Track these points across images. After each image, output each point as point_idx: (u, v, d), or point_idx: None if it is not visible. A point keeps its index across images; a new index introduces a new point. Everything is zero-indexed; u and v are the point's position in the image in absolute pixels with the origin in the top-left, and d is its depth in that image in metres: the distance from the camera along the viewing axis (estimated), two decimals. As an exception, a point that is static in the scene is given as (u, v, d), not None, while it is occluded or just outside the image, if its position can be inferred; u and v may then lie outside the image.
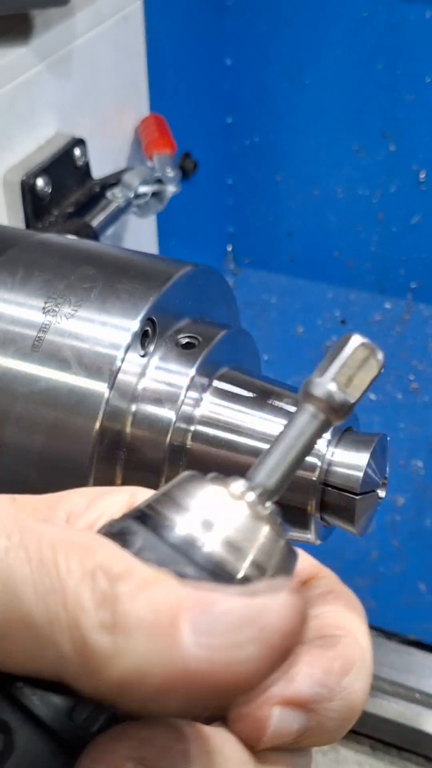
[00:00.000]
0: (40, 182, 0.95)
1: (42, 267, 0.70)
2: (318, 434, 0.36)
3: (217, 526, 0.33)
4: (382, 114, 1.34)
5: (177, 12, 1.26)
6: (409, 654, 1.11)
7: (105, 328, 0.66)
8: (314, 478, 0.65)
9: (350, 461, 0.65)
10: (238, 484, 0.35)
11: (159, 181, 1.07)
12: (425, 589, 1.58)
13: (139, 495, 0.38)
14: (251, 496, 0.34)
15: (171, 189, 1.07)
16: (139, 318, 0.66)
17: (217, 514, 0.33)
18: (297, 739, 0.35)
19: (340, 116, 1.37)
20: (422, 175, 1.35)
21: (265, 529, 0.34)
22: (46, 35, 0.97)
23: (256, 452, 0.67)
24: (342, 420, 0.36)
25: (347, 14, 1.31)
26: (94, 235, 0.99)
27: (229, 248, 1.54)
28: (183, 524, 0.33)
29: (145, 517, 0.34)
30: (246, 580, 0.32)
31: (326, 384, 0.36)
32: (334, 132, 1.38)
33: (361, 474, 0.65)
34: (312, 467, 0.65)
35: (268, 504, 0.35)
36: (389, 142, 1.35)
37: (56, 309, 0.68)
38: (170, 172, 1.07)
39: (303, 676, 0.35)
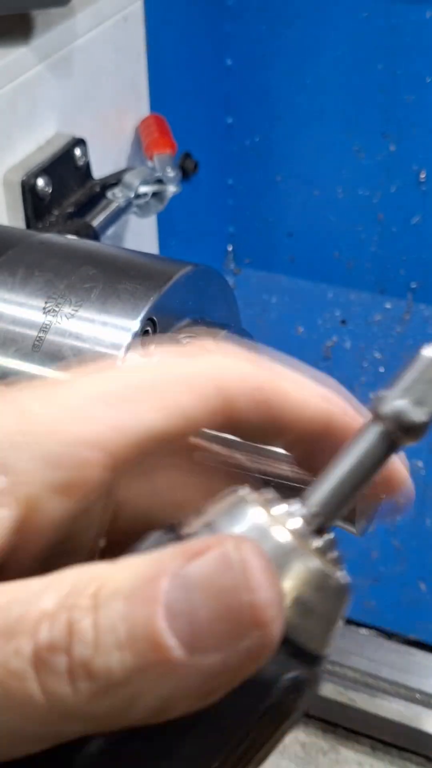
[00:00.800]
0: (40, 182, 0.95)
1: (42, 267, 0.70)
2: (386, 456, 0.32)
3: None
4: (383, 114, 1.34)
5: (177, 12, 1.26)
6: (410, 654, 1.11)
7: (105, 328, 0.66)
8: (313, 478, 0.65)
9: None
10: (285, 508, 0.31)
11: (159, 181, 1.07)
12: (426, 589, 1.58)
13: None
14: (301, 522, 0.30)
15: (171, 189, 1.07)
16: (140, 318, 0.66)
17: (260, 543, 0.28)
18: None
19: (340, 116, 1.37)
20: (422, 175, 1.35)
21: (314, 566, 0.30)
22: (47, 35, 0.97)
23: (255, 450, 0.66)
24: (415, 441, 0.32)
25: (347, 15, 1.31)
26: (94, 235, 0.99)
27: (230, 248, 1.54)
28: None
29: (176, 536, 0.30)
30: (286, 623, 0.28)
31: (397, 401, 0.31)
32: (334, 132, 1.38)
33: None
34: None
35: (322, 534, 0.30)
36: (389, 142, 1.35)
37: (57, 309, 0.68)
38: (170, 172, 1.07)
39: None
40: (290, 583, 0.29)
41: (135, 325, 0.66)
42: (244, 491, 0.31)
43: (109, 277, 0.69)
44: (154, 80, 1.17)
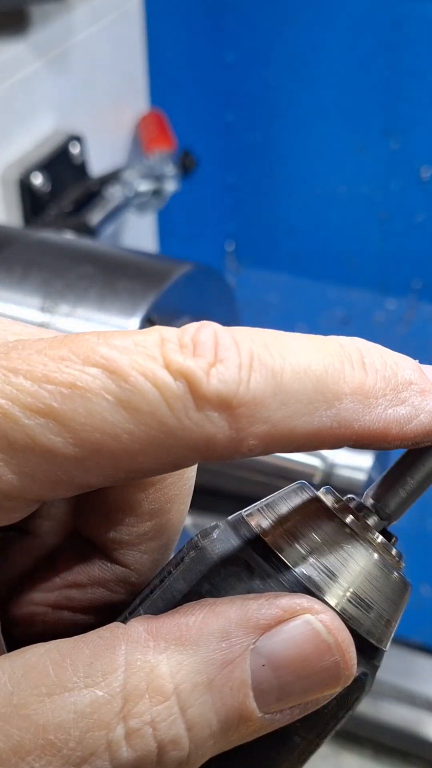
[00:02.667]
0: (38, 180, 0.94)
1: (40, 266, 0.70)
2: None
3: (320, 549, 0.30)
4: (384, 111, 1.33)
5: (177, 8, 1.25)
6: (413, 658, 1.10)
7: (103, 328, 0.66)
8: (317, 481, 0.64)
9: (354, 463, 0.65)
10: (353, 503, 0.31)
11: (158, 178, 1.06)
12: (429, 592, 1.57)
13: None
14: (368, 518, 0.31)
15: (171, 187, 1.07)
16: (139, 317, 0.66)
17: (323, 537, 0.30)
18: None
19: (341, 114, 1.36)
20: (425, 173, 1.35)
21: (377, 559, 0.31)
22: (44, 32, 0.96)
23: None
24: None
25: (349, 11, 1.30)
26: (92, 233, 0.98)
27: (230, 247, 1.53)
28: (282, 542, 0.30)
29: (258, 542, 0.30)
30: (345, 613, 0.29)
31: None
32: (335, 130, 1.38)
33: (365, 476, 0.64)
34: (313, 470, 0.64)
35: (386, 531, 0.31)
36: (391, 139, 1.35)
37: (54, 308, 0.67)
38: (170, 170, 1.07)
39: None
40: (353, 576, 0.30)
41: (134, 324, 0.66)
42: (308, 485, 0.32)
43: (107, 276, 0.69)
44: (154, 77, 1.17)
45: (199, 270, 0.72)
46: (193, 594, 0.29)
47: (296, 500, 0.31)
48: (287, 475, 0.65)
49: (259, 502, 0.32)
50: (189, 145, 1.28)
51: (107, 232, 1.04)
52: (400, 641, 1.61)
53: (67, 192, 0.99)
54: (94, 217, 1.00)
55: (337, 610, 0.30)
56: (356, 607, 0.30)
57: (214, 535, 0.30)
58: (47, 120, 0.98)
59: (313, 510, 0.31)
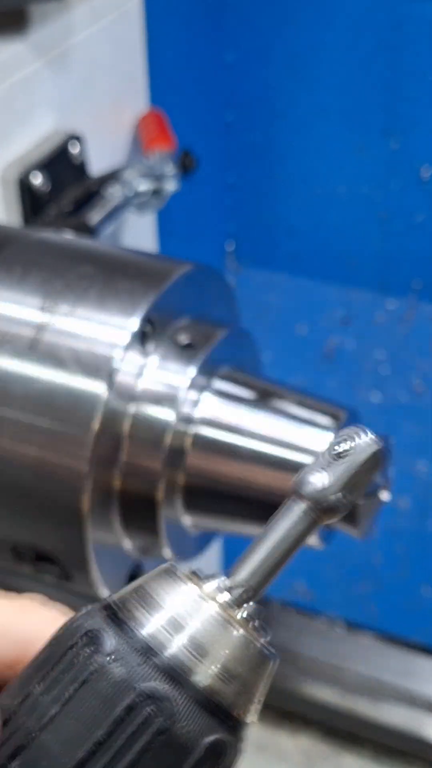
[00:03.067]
0: (37, 179, 0.95)
1: (40, 265, 0.70)
2: (307, 534, 0.35)
3: (186, 629, 0.33)
4: (385, 111, 1.33)
5: (177, 7, 1.26)
6: (413, 659, 1.10)
7: (103, 328, 0.66)
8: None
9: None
10: (214, 584, 0.34)
11: (158, 178, 1.06)
12: (429, 593, 1.57)
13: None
14: (227, 597, 0.34)
15: (170, 187, 1.07)
16: (139, 317, 0.66)
17: (188, 617, 0.33)
18: None
19: (341, 114, 1.37)
20: (425, 173, 1.35)
21: (237, 634, 0.33)
22: (44, 31, 0.96)
23: (255, 453, 0.66)
24: (335, 519, 0.35)
25: (349, 10, 1.30)
26: (92, 233, 0.99)
27: (230, 247, 1.53)
28: (152, 626, 0.33)
29: (115, 615, 0.33)
30: (210, 689, 0.32)
31: (319, 483, 0.34)
32: (335, 129, 1.38)
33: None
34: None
35: (247, 605, 0.34)
36: (391, 139, 1.35)
37: (54, 308, 0.67)
38: (170, 170, 1.07)
39: None
40: (216, 650, 0.32)
41: (133, 324, 0.66)
42: (175, 567, 0.34)
43: (107, 276, 0.69)
44: (154, 76, 1.17)
45: (199, 270, 0.72)
46: None
47: (162, 583, 0.34)
48: (287, 470, 0.65)
49: (128, 587, 0.34)
50: (189, 145, 1.28)
51: (107, 231, 1.04)
52: (401, 641, 1.61)
53: (66, 192, 0.99)
54: (94, 216, 1.00)
55: (201, 687, 0.32)
56: (222, 681, 0.32)
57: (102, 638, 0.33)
58: (47, 119, 0.99)
59: (177, 591, 0.33)
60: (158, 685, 0.31)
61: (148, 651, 0.32)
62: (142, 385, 0.67)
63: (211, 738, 0.32)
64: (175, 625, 0.33)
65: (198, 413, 0.68)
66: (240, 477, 0.67)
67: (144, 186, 1.05)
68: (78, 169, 1.01)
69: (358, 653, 1.08)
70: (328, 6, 1.31)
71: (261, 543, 0.34)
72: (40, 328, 0.67)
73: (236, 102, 1.41)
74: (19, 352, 0.67)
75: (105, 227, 1.02)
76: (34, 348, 0.67)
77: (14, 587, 0.67)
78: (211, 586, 0.34)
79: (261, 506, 0.66)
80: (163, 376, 0.68)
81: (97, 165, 1.05)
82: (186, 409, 0.67)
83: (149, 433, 0.67)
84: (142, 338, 0.67)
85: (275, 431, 0.67)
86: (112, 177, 1.04)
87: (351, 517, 0.65)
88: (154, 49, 1.16)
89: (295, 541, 0.34)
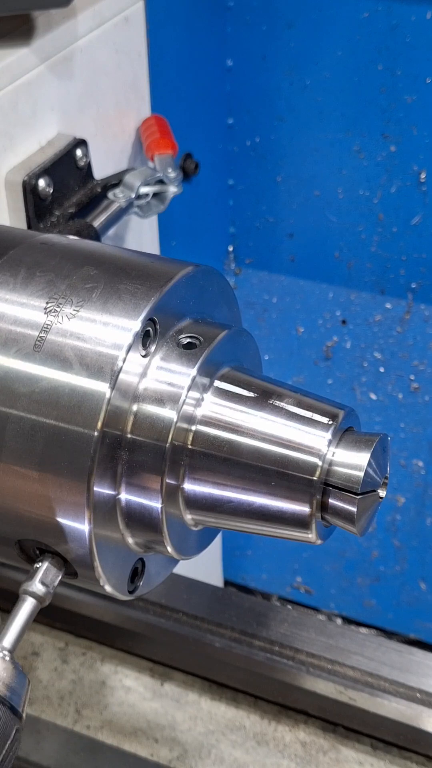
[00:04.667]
0: (41, 183, 0.95)
1: (44, 267, 0.71)
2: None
3: None
4: (383, 115, 1.34)
5: (179, 13, 1.26)
6: (410, 653, 1.11)
7: (107, 328, 0.67)
8: (315, 478, 0.65)
9: (351, 461, 0.65)
10: None
11: (160, 181, 1.07)
12: (426, 588, 1.58)
13: None
14: None
15: (172, 190, 1.08)
16: (141, 318, 0.67)
17: None
18: None
19: (340, 117, 1.37)
20: (423, 176, 1.36)
21: None
22: (48, 36, 0.97)
23: (256, 452, 0.67)
24: None
25: (348, 15, 1.31)
26: (95, 235, 0.99)
27: (230, 249, 1.54)
28: None
29: None
30: None
31: None
32: (334, 133, 1.39)
33: (361, 474, 0.65)
34: (313, 467, 0.65)
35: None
36: (390, 142, 1.35)
37: (58, 309, 0.68)
38: (171, 173, 1.08)
39: None
40: None
41: (136, 325, 0.67)
42: None
43: (110, 278, 0.69)
44: (156, 81, 1.18)
45: (200, 271, 0.72)
46: None
47: None
48: (288, 468, 0.66)
49: None
50: (191, 149, 1.29)
51: (110, 234, 1.05)
52: (399, 636, 1.62)
53: (70, 195, 1.00)
54: (97, 219, 1.01)
55: None
56: None
57: None
58: (51, 123, 0.99)
59: None
60: None
61: None
62: (145, 384, 0.68)
63: None
64: None
65: (199, 412, 0.68)
66: (240, 475, 0.67)
67: (146, 189, 1.06)
68: (82, 172, 1.02)
69: (357, 648, 1.09)
70: (327, 11, 1.31)
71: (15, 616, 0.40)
72: (45, 329, 0.68)
73: (237, 106, 1.42)
74: (24, 353, 0.67)
75: (108, 230, 1.03)
76: (39, 348, 0.67)
77: (19, 581, 0.68)
78: None
79: (262, 504, 0.67)
80: (165, 376, 0.68)
81: (100, 168, 1.06)
82: (188, 409, 0.68)
83: (151, 431, 0.67)
84: (144, 339, 0.68)
85: (275, 430, 0.67)
86: (115, 180, 1.05)
87: (349, 513, 0.66)
88: (156, 54, 1.17)
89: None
